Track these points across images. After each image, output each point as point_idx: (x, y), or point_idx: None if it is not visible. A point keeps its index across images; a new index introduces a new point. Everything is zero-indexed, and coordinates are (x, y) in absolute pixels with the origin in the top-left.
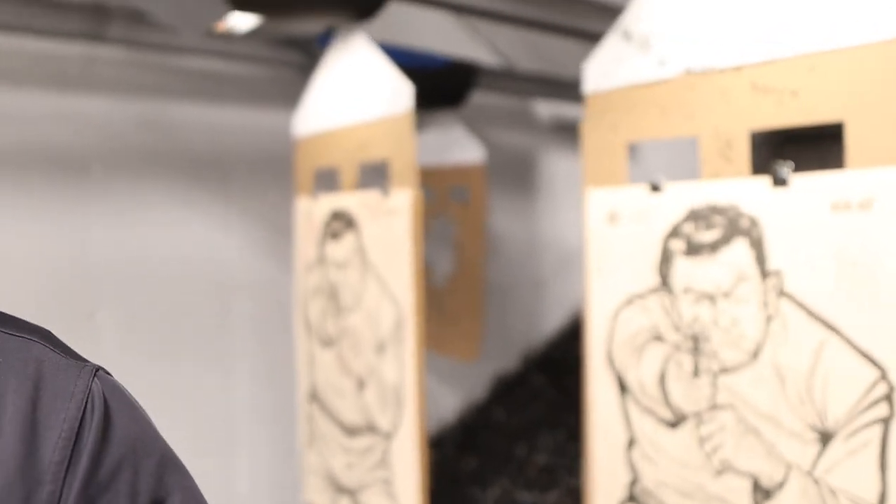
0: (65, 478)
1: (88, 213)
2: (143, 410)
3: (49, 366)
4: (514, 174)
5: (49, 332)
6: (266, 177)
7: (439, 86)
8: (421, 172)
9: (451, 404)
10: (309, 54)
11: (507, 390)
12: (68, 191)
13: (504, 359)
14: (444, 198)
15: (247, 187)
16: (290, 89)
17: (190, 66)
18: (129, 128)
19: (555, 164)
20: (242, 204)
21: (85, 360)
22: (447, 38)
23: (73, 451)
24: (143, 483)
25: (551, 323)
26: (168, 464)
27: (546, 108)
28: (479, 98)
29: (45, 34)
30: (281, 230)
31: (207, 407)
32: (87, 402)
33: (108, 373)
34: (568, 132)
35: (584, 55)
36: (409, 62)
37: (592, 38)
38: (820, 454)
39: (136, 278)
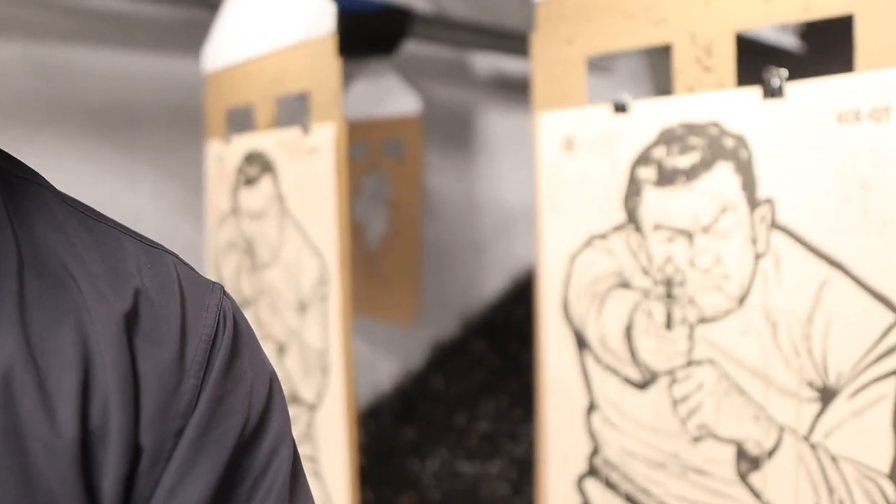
0: (203, 375)
1: None
2: None
3: (185, 278)
4: (451, 131)
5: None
6: (177, 128)
7: (369, 31)
8: (351, 125)
9: (387, 372)
10: None
11: (446, 357)
12: None
13: (442, 324)
14: (376, 152)
15: (155, 140)
16: (203, 33)
17: (88, 4)
18: (19, 73)
19: (494, 122)
20: (151, 158)
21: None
22: None
23: (210, 354)
24: (257, 392)
25: (491, 287)
26: (275, 383)
27: (485, 62)
28: (413, 48)
29: None
30: (194, 186)
31: None
32: (219, 315)
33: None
34: (508, 88)
35: (523, 3)
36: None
37: None
38: (818, 415)
39: None
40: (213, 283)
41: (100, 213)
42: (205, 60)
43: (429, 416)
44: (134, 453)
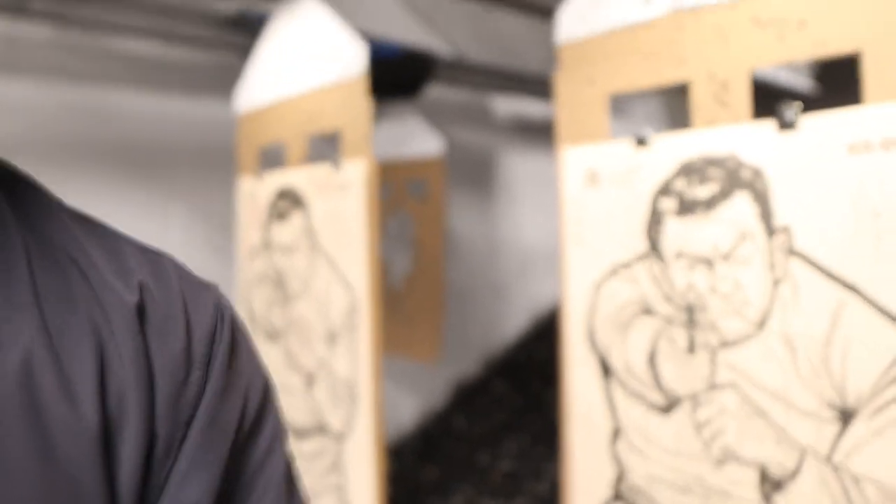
0: (208, 366)
1: None
2: None
3: (182, 277)
4: (472, 173)
5: None
6: (207, 168)
7: (394, 75)
8: (376, 166)
9: (410, 411)
10: (255, 36)
11: (468, 396)
12: None
13: (464, 364)
14: (400, 193)
15: (188, 181)
16: (233, 76)
17: (125, 48)
18: (58, 114)
19: (514, 164)
20: (182, 197)
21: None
22: (399, 25)
23: (212, 347)
24: (254, 388)
25: (512, 327)
26: (269, 384)
27: (505, 105)
28: (435, 92)
29: None
30: (226, 226)
31: None
32: (218, 311)
33: None
34: (528, 130)
35: (542, 47)
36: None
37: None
38: (839, 436)
39: None
40: (209, 282)
41: (96, 219)
42: (237, 101)
43: (452, 455)
44: (149, 442)
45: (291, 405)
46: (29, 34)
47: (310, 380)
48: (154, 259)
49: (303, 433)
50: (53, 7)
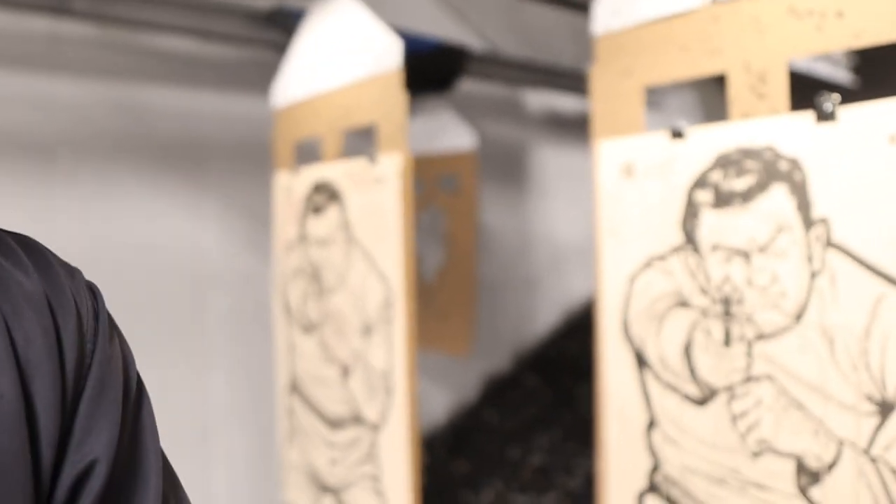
0: (94, 340)
1: (54, 201)
2: None
3: (57, 262)
4: (504, 167)
5: None
6: (244, 165)
7: (426, 70)
8: (412, 160)
9: (441, 406)
10: (289, 34)
11: (499, 391)
12: (32, 177)
13: (495, 359)
14: (433, 188)
15: (224, 175)
16: (268, 72)
17: (163, 45)
18: (97, 111)
19: (546, 158)
20: (219, 193)
21: None
22: (432, 20)
23: (96, 323)
24: (131, 364)
25: (544, 322)
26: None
27: (537, 99)
28: (467, 86)
29: (6, 6)
30: (260, 220)
31: (181, 406)
32: (92, 292)
33: None
34: (561, 125)
35: (575, 40)
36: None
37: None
38: (878, 429)
39: (105, 270)
40: (67, 263)
41: None
42: (273, 96)
43: (483, 450)
44: (62, 410)
45: (327, 396)
46: (71, 32)
47: (345, 371)
48: (31, 244)
49: (338, 423)
50: (95, 6)
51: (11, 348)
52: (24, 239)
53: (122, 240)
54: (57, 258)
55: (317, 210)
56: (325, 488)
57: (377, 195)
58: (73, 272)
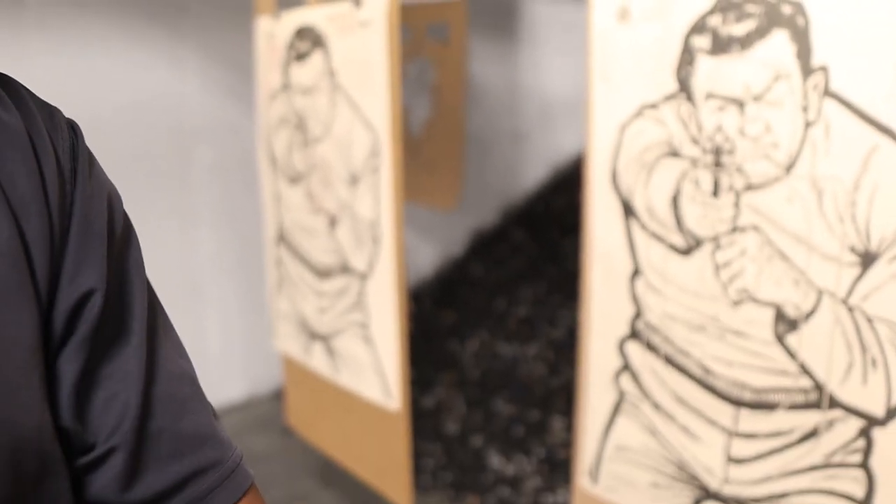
0: (74, 178)
1: (24, 49)
2: None
3: (33, 99)
4: (494, 17)
5: None
6: (223, 10)
7: None
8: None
9: (429, 259)
10: None
11: (486, 244)
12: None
13: (482, 213)
14: (420, 37)
15: (202, 23)
16: None
17: None
18: None
19: (538, 7)
20: (197, 41)
21: None
22: None
23: (75, 162)
24: (116, 198)
25: (532, 176)
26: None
27: None
28: None
29: None
30: (241, 69)
31: (171, 260)
32: (70, 129)
33: None
34: None
35: None
36: None
37: None
38: (858, 279)
39: (81, 124)
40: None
41: None
42: None
43: (469, 301)
44: (51, 246)
45: (315, 246)
46: None
47: (332, 221)
48: (10, 82)
49: (326, 272)
50: None
51: (0, 189)
52: (1, 76)
53: (98, 92)
54: (34, 96)
55: (300, 57)
56: (314, 336)
57: (362, 40)
58: (53, 112)
